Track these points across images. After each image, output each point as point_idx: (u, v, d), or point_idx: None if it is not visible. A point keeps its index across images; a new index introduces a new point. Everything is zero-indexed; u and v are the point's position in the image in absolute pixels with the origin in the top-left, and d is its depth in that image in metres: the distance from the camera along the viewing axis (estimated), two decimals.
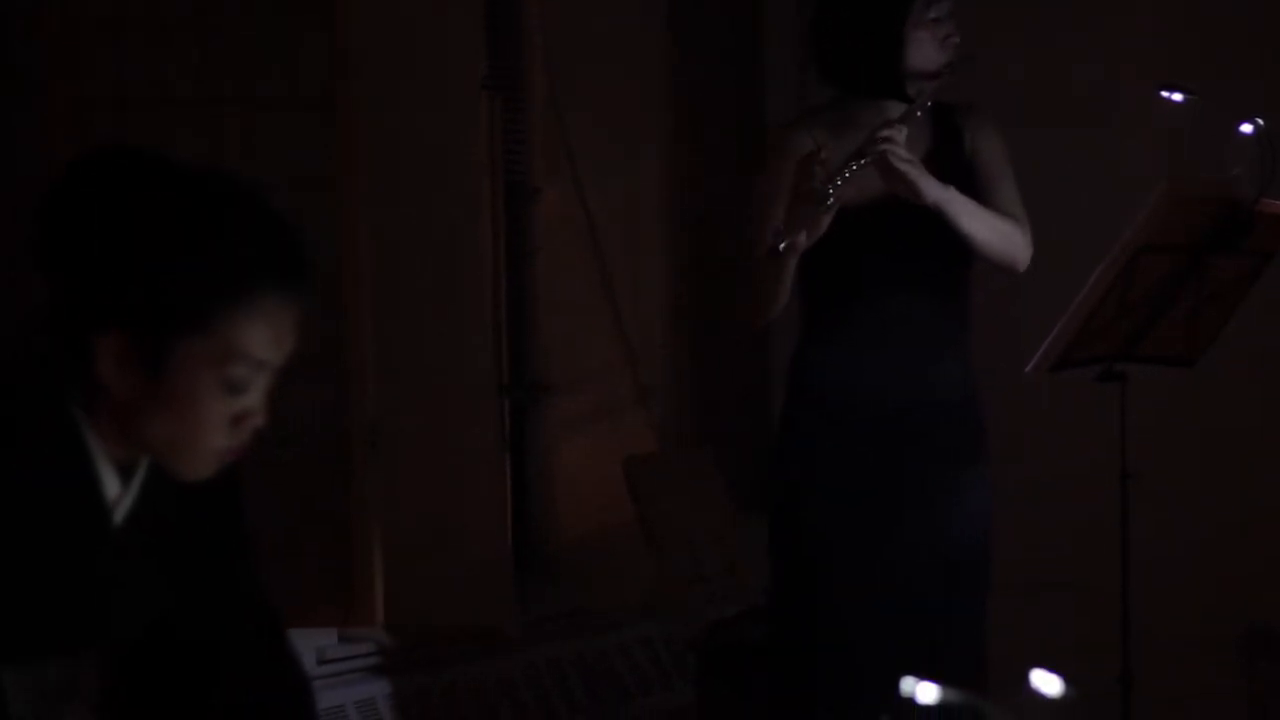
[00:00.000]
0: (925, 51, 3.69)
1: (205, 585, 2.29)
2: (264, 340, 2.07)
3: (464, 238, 5.19)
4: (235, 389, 2.07)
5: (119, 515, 2.17)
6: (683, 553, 4.85)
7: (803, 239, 3.52)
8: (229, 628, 2.32)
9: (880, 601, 3.73)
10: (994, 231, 3.71)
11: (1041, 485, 5.14)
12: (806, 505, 3.77)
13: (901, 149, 3.57)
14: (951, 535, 3.78)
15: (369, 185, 4.47)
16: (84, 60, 4.45)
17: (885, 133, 3.56)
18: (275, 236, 2.09)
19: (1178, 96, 4.06)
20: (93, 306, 2.04)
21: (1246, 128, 3.90)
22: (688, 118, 5.78)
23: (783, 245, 3.49)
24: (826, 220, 3.52)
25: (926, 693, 2.08)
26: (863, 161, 3.53)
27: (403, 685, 4.89)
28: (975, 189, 3.75)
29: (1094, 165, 5.21)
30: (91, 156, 2.09)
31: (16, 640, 2.10)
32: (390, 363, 4.64)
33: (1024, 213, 3.80)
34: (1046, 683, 2.07)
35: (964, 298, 3.84)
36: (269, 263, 2.07)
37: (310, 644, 4.64)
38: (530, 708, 5.18)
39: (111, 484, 2.15)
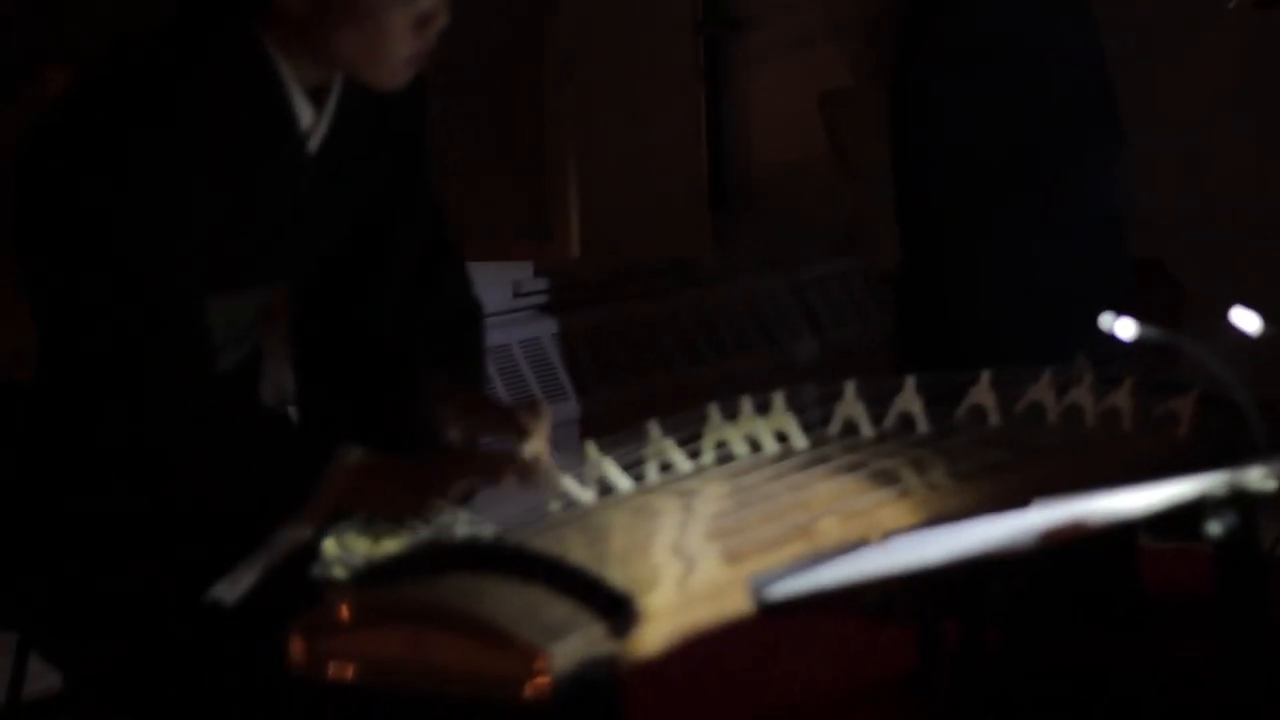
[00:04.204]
0: None
1: (390, 209, 2.34)
2: None
3: None
4: None
5: (313, 144, 2.19)
6: (878, 186, 4.82)
7: None
8: (410, 249, 2.37)
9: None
10: None
11: None
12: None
13: None
14: None
15: None
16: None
17: None
18: None
19: None
20: None
21: None
22: None
23: None
24: None
25: (1125, 329, 2.06)
26: None
27: (598, 317, 4.95)
28: None
29: None
30: None
31: (219, 270, 2.14)
32: None
33: None
34: (1246, 320, 2.05)
35: None
36: None
37: (507, 277, 4.70)
38: (726, 340, 5.23)
39: (305, 113, 2.17)
